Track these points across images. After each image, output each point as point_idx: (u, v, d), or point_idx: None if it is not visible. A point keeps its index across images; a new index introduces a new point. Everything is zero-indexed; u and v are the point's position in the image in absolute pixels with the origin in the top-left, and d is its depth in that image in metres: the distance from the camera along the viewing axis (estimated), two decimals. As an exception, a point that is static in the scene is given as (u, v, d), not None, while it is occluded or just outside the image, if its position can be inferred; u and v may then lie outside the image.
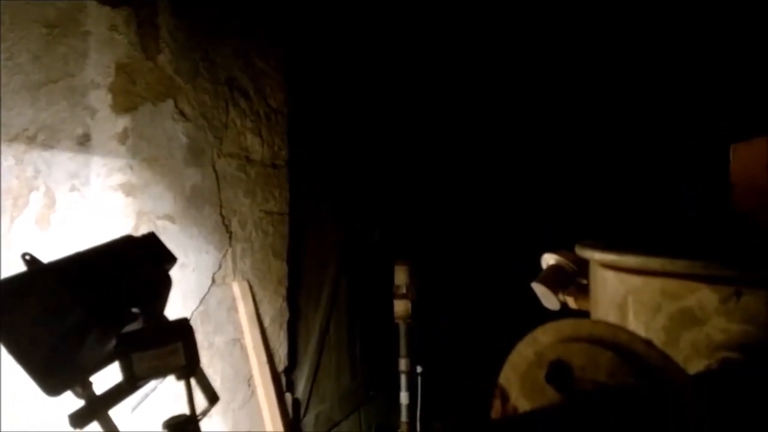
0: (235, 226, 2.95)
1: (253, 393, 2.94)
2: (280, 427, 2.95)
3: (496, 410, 0.62)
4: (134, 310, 1.22)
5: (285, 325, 3.24)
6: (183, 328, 1.22)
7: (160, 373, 1.18)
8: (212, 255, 2.78)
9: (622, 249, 0.83)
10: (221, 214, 2.87)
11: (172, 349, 1.19)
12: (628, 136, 4.00)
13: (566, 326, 0.57)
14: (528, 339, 0.61)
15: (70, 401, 1.13)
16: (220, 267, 2.83)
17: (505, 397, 0.62)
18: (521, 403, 0.60)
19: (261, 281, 3.09)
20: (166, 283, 1.36)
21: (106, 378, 1.20)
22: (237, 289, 2.90)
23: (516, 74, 4.45)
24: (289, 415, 3.17)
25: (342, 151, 3.89)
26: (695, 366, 0.74)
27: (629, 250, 0.82)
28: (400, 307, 3.24)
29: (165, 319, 1.30)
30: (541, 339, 0.59)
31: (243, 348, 2.91)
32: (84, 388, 1.12)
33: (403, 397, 3.26)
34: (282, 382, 3.17)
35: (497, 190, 4.65)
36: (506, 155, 4.62)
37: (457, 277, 4.54)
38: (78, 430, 1.11)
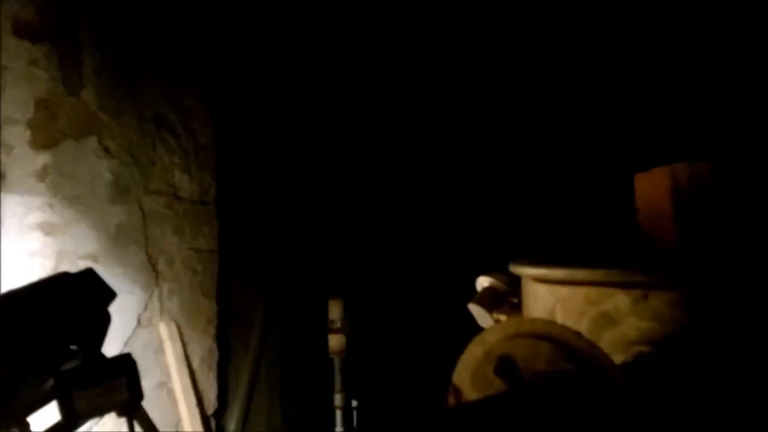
0: (162, 265, 2.88)
1: (183, 438, 2.82)
2: (211, 472, 2.85)
3: (451, 407, 0.69)
4: (72, 347, 1.19)
5: (215, 367, 3.16)
6: (126, 363, 1.20)
7: (102, 410, 1.16)
8: (138, 296, 2.70)
9: (551, 264, 0.95)
10: (147, 253, 2.79)
11: (115, 386, 1.16)
12: (542, 165, 4.24)
13: (510, 325, 0.66)
14: (476, 340, 0.69)
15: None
16: (146, 308, 2.75)
17: (458, 394, 0.69)
18: (473, 397, 0.67)
19: (189, 321, 3.00)
20: (104, 320, 1.33)
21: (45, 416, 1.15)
22: (164, 330, 2.81)
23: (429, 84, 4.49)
24: (220, 460, 3.06)
25: (271, 186, 3.90)
26: (614, 361, 0.85)
27: (558, 264, 0.93)
28: (335, 341, 3.26)
29: (103, 355, 1.27)
30: (488, 339, 0.67)
31: (170, 392, 2.81)
32: (21, 430, 1.07)
33: (339, 433, 3.25)
34: (212, 425, 3.06)
35: (425, 220, 4.76)
36: (427, 183, 4.74)
37: (391, 309, 4.59)
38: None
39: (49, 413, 1.15)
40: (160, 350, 2.79)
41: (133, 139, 2.75)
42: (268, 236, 3.81)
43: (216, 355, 3.18)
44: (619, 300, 0.87)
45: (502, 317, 1.34)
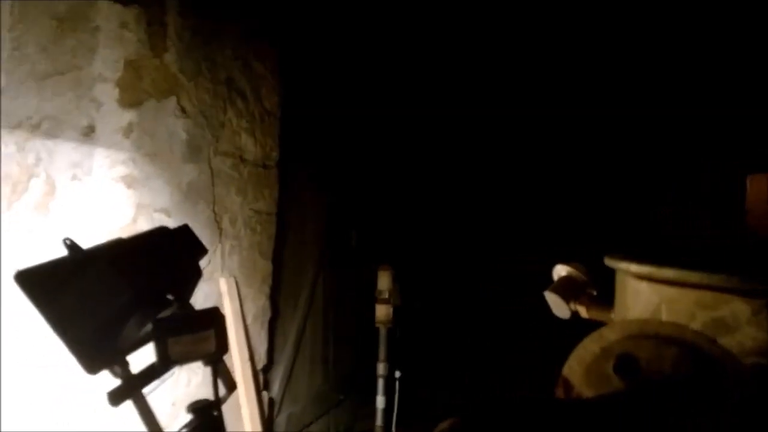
0: (225, 223, 2.97)
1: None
2: (258, 425, 2.97)
3: (561, 397, 0.71)
4: (169, 296, 1.26)
5: (266, 324, 3.27)
6: (215, 316, 1.26)
7: (191, 357, 1.22)
8: (203, 250, 2.80)
9: (659, 262, 0.94)
10: (214, 210, 2.89)
11: (205, 336, 1.23)
12: (638, 156, 4.10)
13: (633, 325, 0.67)
14: (594, 336, 0.70)
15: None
16: (209, 262, 2.85)
17: (568, 387, 0.71)
18: (585, 391, 0.69)
19: (246, 279, 3.11)
20: (196, 273, 1.40)
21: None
22: (224, 285, 2.92)
23: (513, 79, 4.46)
24: (266, 414, 3.19)
25: (326, 155, 3.95)
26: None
27: (667, 263, 0.92)
28: (382, 311, 3.32)
29: (193, 307, 1.34)
30: (608, 336, 0.69)
31: (227, 344, 2.92)
32: (122, 368, 1.15)
33: (380, 401, 3.32)
34: (260, 380, 3.19)
35: (482, 198, 4.73)
36: (494, 162, 4.69)
37: (439, 284, 4.62)
38: (114, 407, 1.14)
39: (144, 356, 1.23)
40: (219, 304, 2.90)
41: (206, 101, 2.82)
42: (320, 205, 3.87)
43: (269, 313, 3.29)
44: (737, 307, 0.85)
45: (580, 308, 1.34)
